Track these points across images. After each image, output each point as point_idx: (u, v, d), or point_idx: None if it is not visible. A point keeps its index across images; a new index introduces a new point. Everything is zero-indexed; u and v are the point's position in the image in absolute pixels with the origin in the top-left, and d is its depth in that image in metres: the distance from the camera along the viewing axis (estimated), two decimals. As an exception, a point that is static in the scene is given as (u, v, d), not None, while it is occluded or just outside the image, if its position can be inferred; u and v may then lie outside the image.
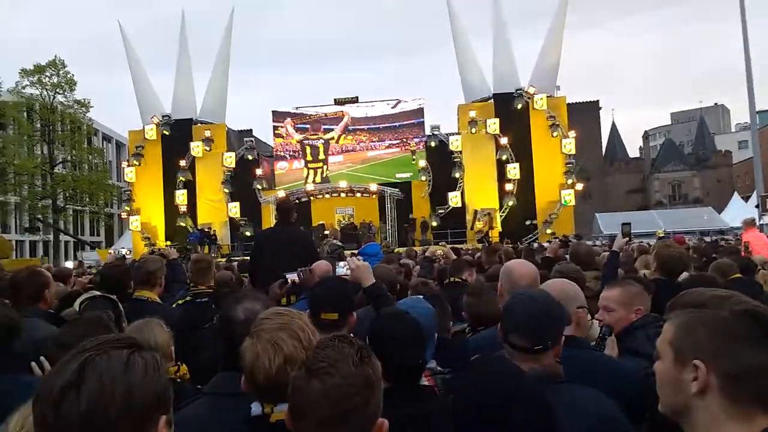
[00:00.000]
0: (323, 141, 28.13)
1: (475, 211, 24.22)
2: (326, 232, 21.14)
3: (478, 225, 23.79)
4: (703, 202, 49.26)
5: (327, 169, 27.85)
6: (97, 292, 3.58)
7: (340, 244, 9.49)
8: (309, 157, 28.09)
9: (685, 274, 4.24)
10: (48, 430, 0.92)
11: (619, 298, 2.59)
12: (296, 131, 28.38)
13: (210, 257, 4.72)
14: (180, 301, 4.03)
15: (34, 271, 3.43)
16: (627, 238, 4.51)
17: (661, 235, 17.09)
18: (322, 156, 28.08)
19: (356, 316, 2.55)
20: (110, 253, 20.42)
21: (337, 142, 28.24)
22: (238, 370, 1.61)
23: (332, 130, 28.17)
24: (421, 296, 2.88)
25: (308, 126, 28.31)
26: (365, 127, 28.02)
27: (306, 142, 28.27)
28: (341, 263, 3.66)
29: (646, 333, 2.36)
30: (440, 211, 25.20)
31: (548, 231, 23.11)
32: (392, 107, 27.91)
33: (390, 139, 27.83)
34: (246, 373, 1.48)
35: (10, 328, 2.23)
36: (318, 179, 27.17)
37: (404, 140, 27.58)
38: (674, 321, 1.26)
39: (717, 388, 1.13)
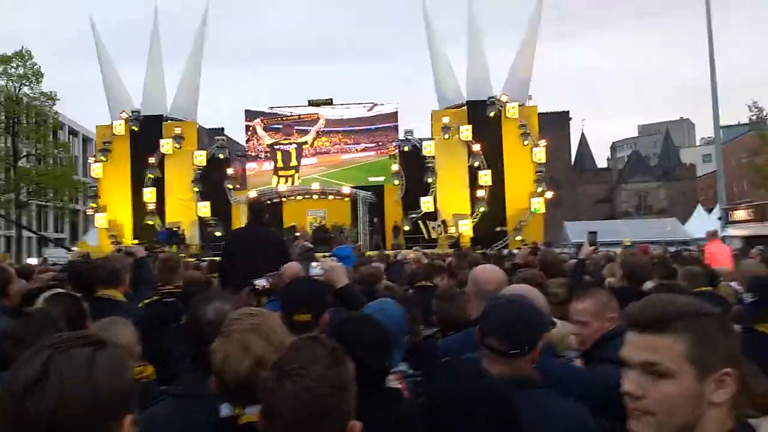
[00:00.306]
0: (296, 145, 27.89)
1: (427, 223, 24.39)
2: (297, 234, 21.05)
3: (434, 233, 23.94)
4: (668, 213, 50.51)
5: (298, 177, 27.52)
6: (61, 290, 3.51)
7: (310, 245, 9.46)
8: (280, 163, 27.71)
9: (649, 283, 4.35)
10: (12, 426, 0.91)
11: (591, 309, 2.59)
12: (267, 133, 28.09)
13: (178, 256, 4.65)
14: (147, 301, 3.96)
15: (-4, 266, 3.33)
16: (593, 247, 4.61)
17: (628, 243, 17.46)
18: (293, 162, 27.72)
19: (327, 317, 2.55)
20: (74, 250, 19.96)
21: (311, 146, 28.04)
22: (204, 371, 1.60)
23: (306, 132, 27.99)
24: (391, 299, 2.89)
25: (280, 127, 28.08)
26: (340, 129, 27.95)
27: (277, 147, 27.98)
28: (314, 264, 3.66)
29: (616, 343, 2.39)
30: (412, 216, 25.30)
31: (518, 238, 23.38)
32: (368, 110, 27.93)
33: (365, 142, 27.82)
34: (215, 373, 1.46)
35: None
36: (289, 185, 26.92)
37: (379, 144, 27.62)
38: (679, 335, 1.13)
39: (734, 391, 1.12)
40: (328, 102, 27.90)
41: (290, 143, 27.91)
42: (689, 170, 60.36)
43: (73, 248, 22.74)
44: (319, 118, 27.94)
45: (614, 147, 68.91)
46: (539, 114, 26.67)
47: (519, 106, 25.09)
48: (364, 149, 27.76)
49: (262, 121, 28.14)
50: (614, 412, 1.87)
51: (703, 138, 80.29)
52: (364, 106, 28.02)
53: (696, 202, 43.71)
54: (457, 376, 1.48)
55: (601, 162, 67.04)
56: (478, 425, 1.34)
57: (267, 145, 28.05)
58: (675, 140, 68.40)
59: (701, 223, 29.20)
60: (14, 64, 30.51)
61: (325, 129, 27.93)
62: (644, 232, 30.06)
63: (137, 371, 2.31)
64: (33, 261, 15.21)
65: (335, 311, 2.79)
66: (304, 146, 27.95)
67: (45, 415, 0.89)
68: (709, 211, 32.92)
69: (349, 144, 27.91)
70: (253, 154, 28.41)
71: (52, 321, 2.10)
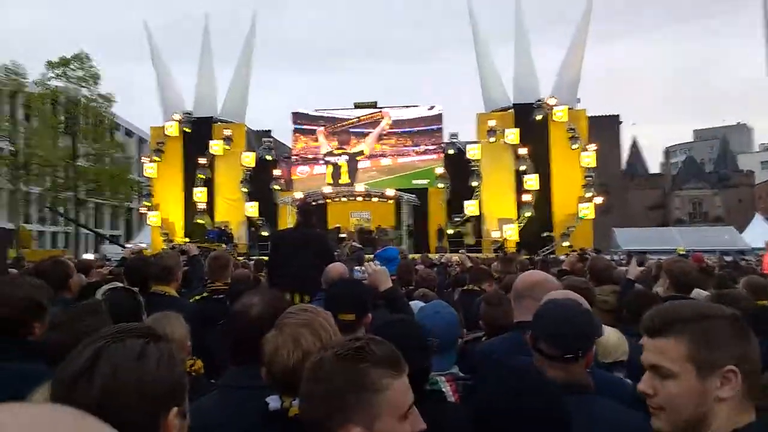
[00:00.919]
0: (348, 157, 27.51)
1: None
2: (342, 235, 21.23)
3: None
4: (724, 221, 48.56)
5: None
6: (119, 284, 3.65)
7: (360, 246, 9.52)
8: (329, 179, 27.22)
9: (701, 292, 4.20)
10: None
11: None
12: (327, 140, 27.82)
13: (228, 254, 4.78)
14: (197, 297, 4.07)
15: (58, 260, 3.50)
16: (641, 267, 4.48)
17: (682, 252, 16.85)
18: (344, 179, 27.00)
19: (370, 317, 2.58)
20: (128, 247, 20.68)
21: (368, 157, 27.58)
22: (249, 364, 1.63)
23: (364, 136, 27.64)
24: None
25: (337, 134, 27.83)
26: (395, 130, 27.52)
27: (329, 159, 27.67)
28: (358, 268, 3.70)
29: None
30: (456, 219, 25.15)
31: (565, 244, 22.93)
32: (413, 113, 27.73)
33: (425, 144, 27.20)
34: (265, 364, 1.51)
35: (38, 306, 2.23)
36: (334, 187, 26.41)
37: (428, 148, 27.16)
38: (679, 338, 1.24)
39: (740, 387, 1.20)
40: (373, 105, 27.99)
41: (343, 153, 27.58)
42: (747, 177, 57.91)
43: (127, 245, 23.56)
44: (382, 118, 27.54)
45: (668, 152, 66.76)
46: (588, 118, 26.07)
47: (568, 109, 24.60)
48: (425, 152, 27.06)
49: (325, 129, 28.07)
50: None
51: (762, 144, 76.93)
52: (408, 109, 27.88)
53: (754, 211, 41.88)
54: (508, 375, 1.47)
55: (654, 167, 65.04)
56: (529, 424, 1.33)
57: (323, 154, 27.88)
58: (732, 146, 65.72)
59: (760, 232, 28.02)
60: (73, 67, 31.86)
61: (381, 131, 27.49)
62: (699, 240, 28.99)
63: (187, 364, 2.38)
64: (89, 256, 15.86)
65: (380, 313, 2.82)
66: (358, 157, 27.49)
67: (93, 403, 0.89)
68: (769, 219, 31.50)
69: (408, 146, 27.38)
70: (301, 156, 28.44)
71: (98, 312, 2.14)
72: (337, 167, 27.52)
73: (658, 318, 1.28)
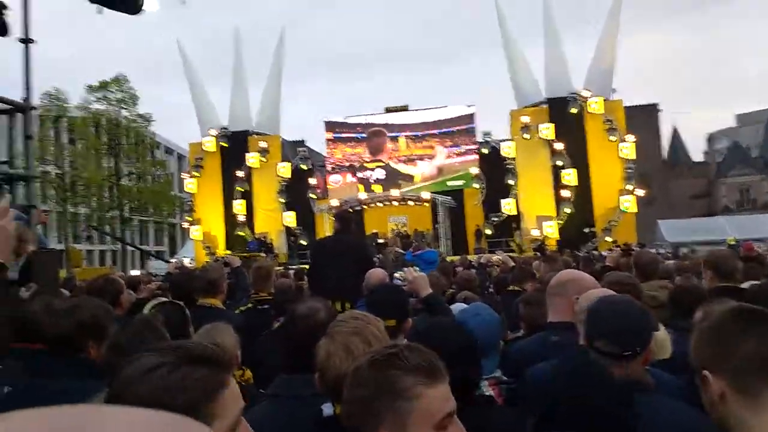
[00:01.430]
0: (375, 179, 27.27)
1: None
2: (380, 241, 21.30)
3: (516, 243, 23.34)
4: (774, 207, 46.72)
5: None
6: (165, 299, 3.75)
7: (402, 251, 9.54)
8: (361, 188, 27.09)
9: (754, 283, 4.04)
10: None
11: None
12: (347, 146, 27.88)
13: (270, 264, 4.85)
14: (242, 308, 4.15)
15: (109, 278, 3.60)
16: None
17: (732, 242, 16.30)
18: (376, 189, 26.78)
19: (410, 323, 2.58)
20: (172, 261, 21.19)
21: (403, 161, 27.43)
22: (300, 372, 1.65)
23: (396, 140, 27.47)
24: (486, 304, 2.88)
25: (363, 139, 27.81)
26: (423, 133, 27.22)
27: (360, 174, 27.55)
28: (397, 274, 3.70)
29: None
30: (494, 219, 24.90)
31: (608, 239, 22.41)
32: (443, 114, 27.49)
33: (462, 145, 26.81)
34: (318, 371, 1.53)
35: (95, 325, 2.24)
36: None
37: (465, 149, 26.82)
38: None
39: (730, 389, 1.19)
40: (404, 108, 27.98)
41: (374, 168, 27.45)
42: (797, 160, 55.52)
43: (171, 260, 24.15)
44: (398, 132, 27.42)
45: (711, 138, 64.60)
46: (625, 108, 25.44)
47: (603, 100, 24.08)
48: (462, 152, 26.63)
49: (334, 136, 28.07)
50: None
51: (811, 124, 73.64)
52: (439, 110, 27.66)
53: (807, 195, 40.12)
54: (580, 368, 1.46)
55: (697, 155, 63.04)
56: (597, 422, 1.31)
57: (349, 166, 27.86)
58: (779, 128, 63.12)
59: (814, 217, 26.82)
60: (112, 89, 32.98)
61: (415, 133, 27.31)
62: (749, 229, 27.98)
63: (237, 375, 2.43)
64: (136, 272, 16.33)
65: (421, 318, 2.82)
66: (388, 165, 27.38)
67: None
68: (823, 203, 30.14)
69: (447, 146, 26.97)
70: (335, 165, 28.50)
71: (152, 328, 2.14)
72: (367, 183, 27.25)
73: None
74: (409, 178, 27.03)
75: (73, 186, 34.13)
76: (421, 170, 27.16)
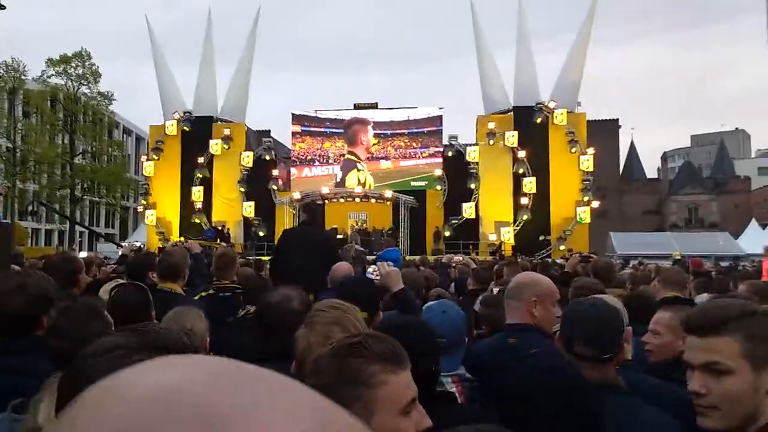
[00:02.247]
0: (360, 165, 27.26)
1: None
2: (339, 236, 21.20)
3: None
4: (720, 227, 48.67)
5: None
6: (121, 280, 3.64)
7: (363, 249, 9.52)
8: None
9: (704, 296, 4.23)
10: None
11: (670, 323, 2.50)
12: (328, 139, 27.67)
13: (234, 253, 4.77)
14: (203, 294, 4.06)
15: (67, 255, 3.48)
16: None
17: (678, 257, 16.91)
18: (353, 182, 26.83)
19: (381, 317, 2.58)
20: (124, 245, 20.60)
21: (368, 160, 27.32)
22: (274, 361, 1.63)
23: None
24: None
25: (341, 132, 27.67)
26: (392, 131, 27.30)
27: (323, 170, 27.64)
28: (371, 267, 3.70)
29: None
30: (454, 222, 25.17)
31: (562, 247, 23.00)
32: (412, 114, 27.58)
33: (427, 146, 26.99)
34: (296, 361, 1.51)
35: (47, 300, 2.17)
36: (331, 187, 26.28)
37: (430, 150, 26.96)
38: (734, 335, 1.28)
39: None
40: (374, 106, 27.95)
41: (352, 159, 27.32)
42: (744, 183, 58.01)
43: (123, 244, 23.48)
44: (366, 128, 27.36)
45: (665, 157, 66.85)
46: (588, 121, 26.14)
47: (567, 112, 24.67)
48: (428, 155, 26.76)
49: (302, 129, 27.94)
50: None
51: (759, 150, 77.24)
52: (408, 110, 27.77)
53: (750, 217, 42.02)
54: (532, 369, 1.48)
55: (651, 173, 65.11)
56: (550, 418, 1.34)
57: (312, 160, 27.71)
58: (730, 151, 65.94)
59: (755, 238, 28.10)
60: (74, 64, 31.83)
61: (379, 132, 27.34)
62: (695, 245, 29.06)
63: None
64: (83, 254, 15.75)
65: (391, 314, 2.82)
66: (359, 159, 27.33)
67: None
68: (764, 226, 31.65)
69: (412, 148, 27.10)
70: (299, 158, 28.20)
71: (97, 314, 2.07)
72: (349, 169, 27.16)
73: (707, 318, 1.32)
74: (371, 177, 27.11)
75: (24, 161, 32.78)
76: (385, 167, 27.24)
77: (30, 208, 33.34)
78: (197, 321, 2.34)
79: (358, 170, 27.15)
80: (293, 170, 27.89)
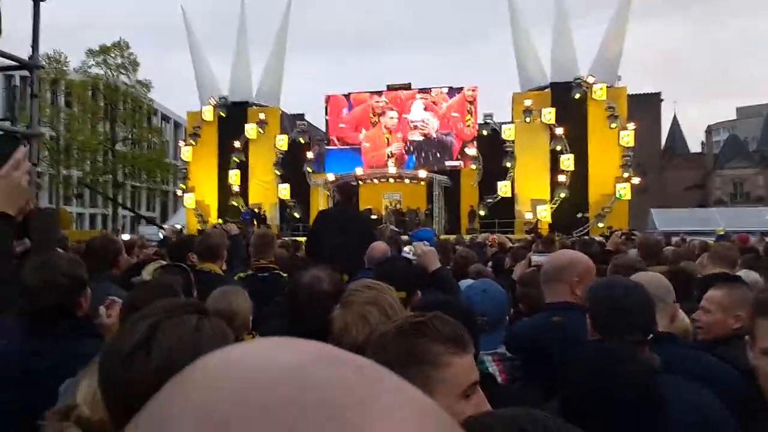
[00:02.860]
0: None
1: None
2: (374, 217, 21.24)
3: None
4: (766, 201, 46.96)
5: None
6: (163, 262, 3.71)
7: (398, 230, 9.51)
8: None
9: (750, 272, 4.07)
10: (115, 387, 0.93)
11: (722, 301, 2.44)
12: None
13: (273, 233, 4.82)
14: (242, 274, 4.12)
15: (108, 237, 3.57)
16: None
17: (721, 233, 16.35)
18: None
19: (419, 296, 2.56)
20: (166, 227, 21.09)
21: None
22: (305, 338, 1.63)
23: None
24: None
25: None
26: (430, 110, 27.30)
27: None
28: (407, 247, 3.68)
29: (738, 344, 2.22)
30: (489, 201, 24.91)
31: (600, 225, 22.52)
32: (446, 93, 27.26)
33: (460, 124, 26.77)
34: (332, 342, 1.50)
35: (79, 283, 2.18)
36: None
37: (458, 127, 26.78)
38: None
39: None
40: (407, 86, 27.71)
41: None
42: (793, 155, 55.61)
43: (165, 226, 24.05)
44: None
45: (710, 131, 64.38)
46: (628, 96, 25.33)
47: (607, 87, 23.94)
48: (459, 133, 26.60)
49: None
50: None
51: (810, 120, 73.70)
52: (442, 90, 27.45)
53: (801, 191, 40.32)
54: (597, 356, 1.44)
55: (695, 147, 62.95)
56: (621, 409, 1.30)
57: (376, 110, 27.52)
58: (778, 123, 63.13)
59: (806, 212, 27.00)
60: (113, 54, 32.53)
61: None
62: (740, 220, 28.10)
63: (248, 339, 2.40)
64: (126, 237, 16.13)
65: (429, 293, 2.80)
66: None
67: (150, 377, 0.88)
68: (816, 200, 30.29)
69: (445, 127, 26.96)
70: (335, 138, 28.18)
71: (171, 290, 2.10)
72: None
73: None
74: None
75: (68, 149, 33.81)
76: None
77: (75, 191, 34.44)
78: (242, 300, 2.36)
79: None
80: (332, 149, 27.75)
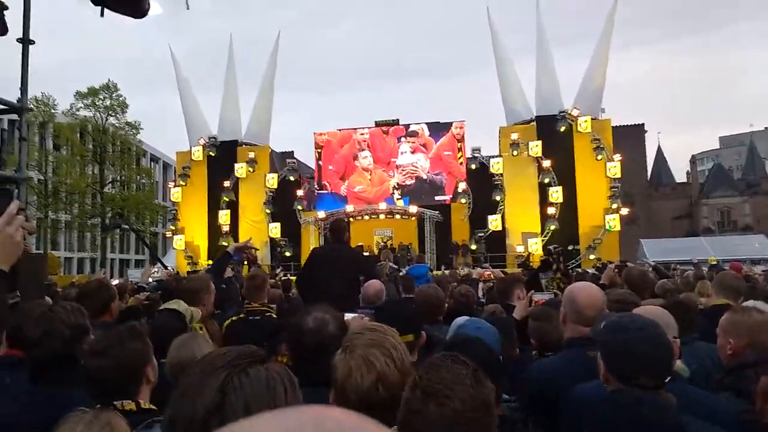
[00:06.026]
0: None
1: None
2: (366, 254, 21.11)
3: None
4: (754, 229, 47.40)
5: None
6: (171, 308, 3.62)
7: (396, 267, 9.43)
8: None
9: (757, 303, 4.04)
10: None
11: (720, 324, 2.44)
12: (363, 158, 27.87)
13: (265, 274, 4.74)
14: (234, 318, 4.02)
15: (102, 283, 3.48)
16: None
17: (714, 262, 16.43)
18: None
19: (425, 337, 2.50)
20: (159, 269, 20.84)
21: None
22: (309, 386, 1.57)
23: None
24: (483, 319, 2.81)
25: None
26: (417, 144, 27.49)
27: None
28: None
29: (747, 374, 2.16)
30: (480, 235, 24.94)
31: (591, 257, 22.56)
32: (429, 134, 27.46)
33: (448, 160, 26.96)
34: (337, 389, 1.44)
35: (85, 331, 2.21)
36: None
37: (446, 163, 26.99)
38: None
39: None
40: (395, 122, 27.99)
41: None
42: (777, 183, 56.46)
43: (169, 266, 23.68)
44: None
45: (694, 160, 65.38)
46: (612, 128, 25.72)
47: (591, 119, 24.33)
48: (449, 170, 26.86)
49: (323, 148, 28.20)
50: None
51: (791, 148, 75.17)
52: (429, 126, 27.70)
53: (786, 217, 40.81)
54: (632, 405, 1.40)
55: (680, 176, 63.80)
56: None
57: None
58: (760, 151, 64.36)
59: (794, 239, 27.24)
60: (102, 96, 32.66)
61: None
62: (729, 249, 28.28)
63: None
64: (115, 282, 15.91)
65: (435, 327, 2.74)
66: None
67: None
68: (803, 226, 30.63)
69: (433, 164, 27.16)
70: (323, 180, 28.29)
71: (140, 336, 2.06)
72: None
73: None
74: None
75: (56, 192, 33.59)
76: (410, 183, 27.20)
77: (110, 222, 33.89)
78: (205, 347, 2.29)
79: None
80: (322, 191, 27.83)
